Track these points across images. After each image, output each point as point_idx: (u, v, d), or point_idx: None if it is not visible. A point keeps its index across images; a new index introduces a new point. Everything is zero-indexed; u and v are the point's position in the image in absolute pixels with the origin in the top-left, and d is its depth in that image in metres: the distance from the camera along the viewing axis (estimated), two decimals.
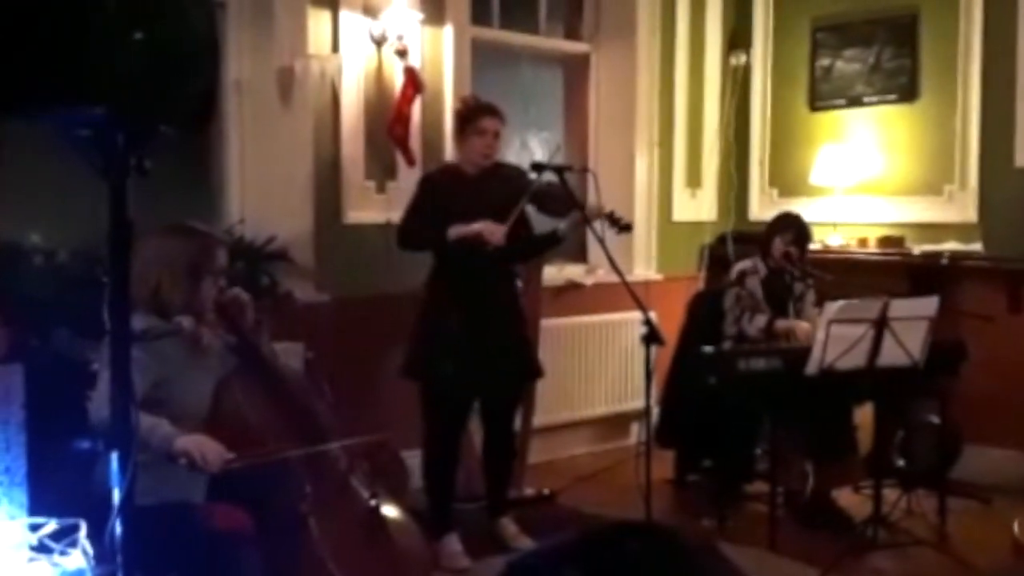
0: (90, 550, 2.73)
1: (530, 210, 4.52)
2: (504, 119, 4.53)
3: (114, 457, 2.09)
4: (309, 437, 3.13)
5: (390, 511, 3.23)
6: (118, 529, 2.09)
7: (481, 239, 4.28)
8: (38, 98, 1.99)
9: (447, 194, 4.44)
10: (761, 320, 5.09)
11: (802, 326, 5.04)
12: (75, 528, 2.76)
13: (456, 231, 4.32)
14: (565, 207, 4.46)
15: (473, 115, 4.46)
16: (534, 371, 4.73)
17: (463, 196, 4.42)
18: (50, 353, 3.77)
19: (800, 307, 5.21)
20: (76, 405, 2.89)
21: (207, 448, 2.90)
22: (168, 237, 3.13)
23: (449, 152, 5.44)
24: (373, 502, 3.18)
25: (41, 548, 2.77)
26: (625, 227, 4.41)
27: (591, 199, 4.55)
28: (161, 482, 2.83)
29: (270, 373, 3.23)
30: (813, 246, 6.15)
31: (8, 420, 2.81)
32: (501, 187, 4.46)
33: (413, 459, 4.62)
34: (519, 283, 4.94)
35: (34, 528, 2.78)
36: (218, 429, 3.00)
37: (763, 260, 5.24)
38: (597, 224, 4.43)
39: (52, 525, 2.77)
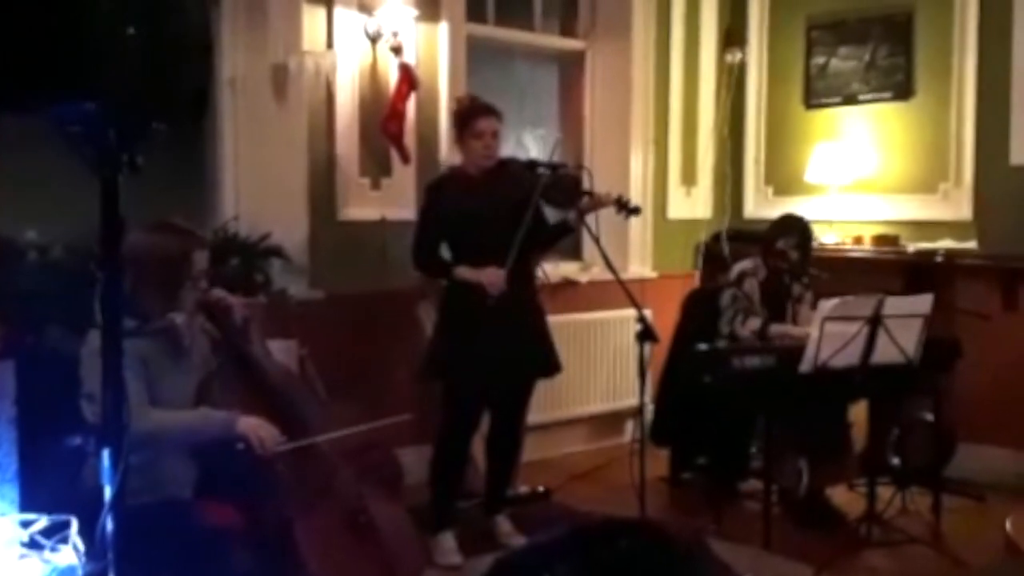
0: (81, 546, 2.72)
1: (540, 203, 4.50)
2: (501, 117, 4.50)
3: (105, 454, 2.08)
4: (296, 435, 3.09)
5: (381, 510, 3.19)
6: (109, 526, 2.09)
7: (483, 289, 4.29)
8: (30, 94, 1.99)
9: (456, 199, 4.42)
10: (754, 323, 5.07)
11: (796, 332, 5.03)
12: (66, 524, 2.75)
13: (461, 274, 4.36)
14: (573, 197, 4.45)
15: (468, 118, 4.43)
16: (553, 366, 4.66)
17: (473, 199, 4.40)
18: (43, 349, 3.76)
19: (798, 308, 5.21)
20: (68, 401, 2.87)
21: (265, 432, 2.98)
22: (147, 238, 3.00)
23: (444, 149, 5.44)
24: (361, 502, 3.15)
25: (32, 544, 2.77)
26: (633, 210, 4.39)
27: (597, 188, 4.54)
28: (151, 483, 2.81)
29: (255, 372, 3.19)
30: None
31: None
32: (510, 186, 4.43)
33: (407, 456, 4.60)
34: (540, 274, 4.96)
35: (25, 524, 2.77)
36: None
37: (764, 261, 5.23)
38: (596, 215, 4.43)
39: (43, 521, 2.77)
